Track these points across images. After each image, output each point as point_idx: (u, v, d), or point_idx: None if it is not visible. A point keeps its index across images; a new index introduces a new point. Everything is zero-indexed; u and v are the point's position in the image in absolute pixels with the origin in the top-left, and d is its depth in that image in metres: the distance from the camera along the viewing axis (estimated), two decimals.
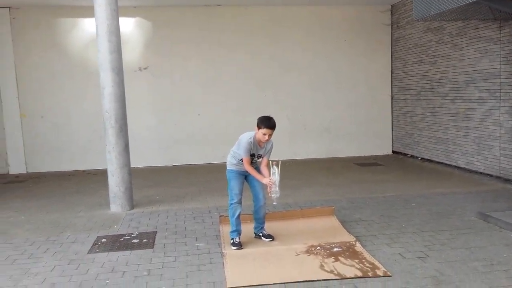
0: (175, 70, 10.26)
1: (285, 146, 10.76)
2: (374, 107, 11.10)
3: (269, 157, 4.82)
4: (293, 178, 8.47)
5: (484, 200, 6.34)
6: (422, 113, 9.86)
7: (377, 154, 11.12)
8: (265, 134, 4.55)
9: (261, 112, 10.41)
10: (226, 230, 5.20)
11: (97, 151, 9.81)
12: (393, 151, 11.23)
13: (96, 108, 9.70)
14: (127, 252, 4.71)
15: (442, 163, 9.21)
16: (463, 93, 8.40)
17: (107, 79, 6.12)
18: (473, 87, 8.09)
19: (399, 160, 10.28)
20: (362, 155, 11.04)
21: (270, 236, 4.95)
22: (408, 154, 10.59)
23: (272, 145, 4.81)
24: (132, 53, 10.03)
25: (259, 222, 4.99)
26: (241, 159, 4.65)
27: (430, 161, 9.64)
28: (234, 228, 4.78)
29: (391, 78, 11.10)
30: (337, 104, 10.92)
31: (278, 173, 4.65)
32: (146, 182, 8.39)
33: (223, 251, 4.63)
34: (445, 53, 8.87)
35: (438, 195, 6.74)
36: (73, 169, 9.99)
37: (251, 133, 4.68)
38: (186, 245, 4.91)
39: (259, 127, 4.58)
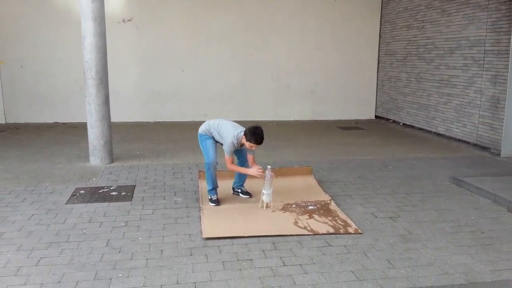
0: (160, 24, 10.02)
1: (269, 107, 10.77)
2: (360, 71, 11.09)
3: (253, 154, 4.75)
4: (275, 138, 8.51)
5: (459, 166, 6.49)
6: (406, 78, 9.89)
7: (359, 118, 11.20)
8: (252, 147, 4.51)
9: (246, 72, 10.49)
10: (204, 185, 5.26)
11: (77, 103, 9.68)
12: (375, 116, 11.32)
13: (78, 58, 9.50)
14: (105, 204, 4.75)
15: (422, 129, 9.34)
16: (448, 59, 8.42)
17: (88, 29, 5.97)
18: (458, 54, 8.11)
19: (381, 125, 10.38)
20: (345, 119, 11.11)
21: (248, 193, 5.03)
22: (390, 119, 10.70)
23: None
24: (116, 4, 9.75)
25: (241, 178, 5.01)
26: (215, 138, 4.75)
27: (411, 127, 9.76)
28: (211, 187, 4.80)
29: (379, 42, 11.04)
30: (323, 67, 10.87)
31: (270, 180, 4.58)
32: (127, 136, 8.36)
33: (200, 205, 4.71)
34: (433, 18, 8.81)
35: (415, 160, 6.88)
36: (53, 121, 9.87)
37: (235, 132, 4.56)
38: (164, 199, 4.97)
39: (248, 140, 4.46)
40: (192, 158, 6.85)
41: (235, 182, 5.11)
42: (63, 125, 9.61)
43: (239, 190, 5.08)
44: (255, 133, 4.45)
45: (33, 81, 9.70)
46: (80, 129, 9.08)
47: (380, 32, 10.99)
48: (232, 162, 4.66)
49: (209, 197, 4.82)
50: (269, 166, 4.68)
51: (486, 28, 7.37)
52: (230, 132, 4.59)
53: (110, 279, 3.21)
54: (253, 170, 4.56)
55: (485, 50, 7.43)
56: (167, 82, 10.29)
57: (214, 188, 4.81)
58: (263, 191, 4.65)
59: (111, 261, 3.49)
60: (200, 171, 5.58)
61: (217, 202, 4.76)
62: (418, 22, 9.34)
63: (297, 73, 10.80)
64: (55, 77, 9.76)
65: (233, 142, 4.54)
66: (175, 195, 5.11)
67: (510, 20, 6.86)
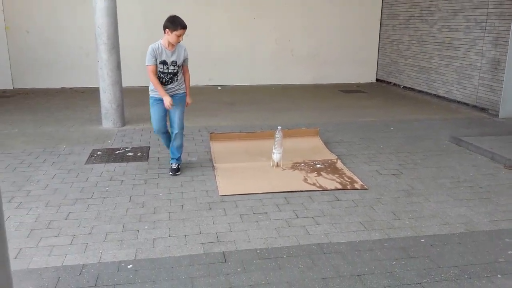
0: None
1: (272, 71, 10.87)
2: (362, 35, 11.13)
3: (187, 64, 4.64)
4: (279, 101, 8.70)
5: (458, 127, 6.73)
6: (408, 41, 9.98)
7: (361, 82, 11.34)
8: (179, 36, 4.30)
9: (249, 35, 10.53)
10: (215, 146, 5.50)
11: (84, 69, 9.79)
12: (376, 79, 11.46)
13: (83, 25, 9.55)
14: (123, 164, 4.99)
15: (423, 91, 9.51)
16: (451, 21, 8.50)
17: None
18: (461, 16, 8.19)
19: (382, 88, 10.54)
20: (347, 82, 11.24)
21: (175, 171, 4.67)
22: (391, 83, 10.84)
23: (186, 51, 4.60)
24: None
25: (175, 152, 4.68)
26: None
27: (412, 89, 9.92)
28: (172, 156, 4.67)
29: (382, 5, 11.04)
30: (325, 31, 10.91)
31: (281, 140, 4.76)
32: (135, 101, 8.51)
33: (214, 164, 4.95)
34: None
35: (416, 121, 7.10)
36: (60, 86, 10.00)
37: (153, 44, 4.42)
38: None
39: (172, 30, 4.25)
40: (200, 121, 7.05)
41: (172, 151, 4.73)
42: (70, 90, 9.74)
43: (171, 165, 4.73)
44: (174, 19, 4.30)
45: (39, 46, 9.75)
46: (87, 93, 9.23)
47: None
48: (154, 72, 4.40)
49: (170, 165, 4.68)
50: (279, 127, 4.90)
51: None
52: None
53: (137, 230, 3.48)
54: (167, 100, 4.33)
55: (487, 12, 7.52)
56: None
57: (173, 158, 4.67)
58: (273, 150, 4.88)
59: (136, 215, 3.75)
60: (211, 133, 5.79)
61: (176, 171, 4.62)
62: None
63: (300, 37, 10.85)
64: (61, 43, 9.80)
65: (152, 48, 4.35)
66: (188, 155, 5.35)
67: None
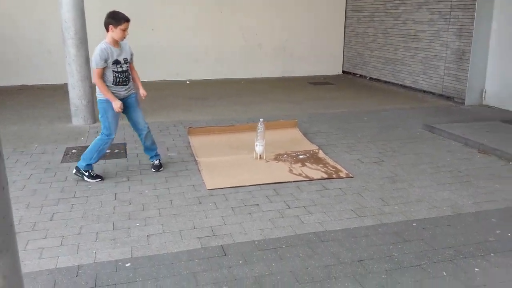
0: None
1: (240, 64, 10.83)
2: (327, 28, 11.27)
3: (133, 60, 4.47)
4: (251, 95, 8.68)
5: (427, 115, 6.94)
6: (374, 34, 10.19)
7: (328, 74, 11.49)
8: (124, 30, 4.10)
9: (216, 30, 10.43)
10: (195, 140, 5.42)
11: (43, 66, 9.40)
12: (343, 71, 11.65)
13: (45, 18, 9.15)
14: (101, 161, 4.81)
15: (389, 82, 9.75)
16: (415, 14, 8.74)
17: None
18: (425, 9, 8.44)
19: (349, 80, 10.73)
20: (314, 74, 11.36)
21: (157, 167, 4.56)
22: (357, 74, 11.05)
23: (130, 47, 4.42)
24: None
25: (151, 150, 4.57)
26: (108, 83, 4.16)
27: (378, 80, 10.15)
28: (90, 162, 4.23)
29: None
30: (292, 25, 10.96)
31: (263, 132, 4.75)
32: None
33: (196, 159, 4.88)
34: None
35: (386, 111, 7.27)
36: (20, 84, 9.55)
37: (100, 44, 4.11)
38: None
39: (116, 25, 4.05)
40: (174, 115, 6.93)
41: (150, 156, 4.59)
42: (32, 88, 9.32)
43: (152, 163, 4.58)
44: (115, 13, 4.11)
45: None
46: (49, 90, 8.87)
47: None
48: (102, 77, 4.10)
49: (86, 172, 4.22)
50: (261, 119, 4.89)
51: None
52: (97, 48, 4.10)
53: (129, 228, 3.38)
54: (116, 104, 4.12)
55: (451, 4, 7.78)
56: (136, 42, 10.06)
57: (91, 164, 4.28)
58: (256, 142, 4.87)
59: (124, 212, 3.64)
60: (189, 127, 5.70)
61: (100, 177, 4.30)
62: None
63: (267, 32, 10.85)
64: (19, 38, 9.35)
65: (101, 49, 4.03)
66: (168, 150, 5.24)
67: None
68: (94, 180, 4.26)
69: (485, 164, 4.74)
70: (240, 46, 10.76)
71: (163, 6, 10.04)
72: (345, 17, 11.29)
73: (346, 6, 11.24)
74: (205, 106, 7.66)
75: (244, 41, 10.73)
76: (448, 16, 7.87)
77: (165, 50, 10.29)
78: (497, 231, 3.29)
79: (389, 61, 9.69)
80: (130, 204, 3.80)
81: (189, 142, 5.50)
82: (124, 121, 6.42)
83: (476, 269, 2.81)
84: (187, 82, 10.24)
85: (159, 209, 3.71)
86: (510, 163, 4.74)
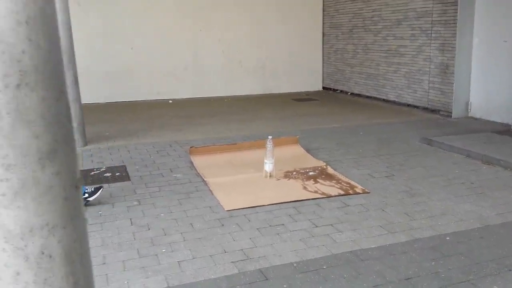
0: (104, 0, 9.51)
1: (221, 82, 10.74)
2: (306, 45, 11.39)
3: None
4: (238, 112, 8.59)
5: (419, 128, 7.05)
6: (353, 50, 10.36)
7: (309, 90, 11.57)
8: None
9: (195, 47, 10.32)
10: (198, 160, 5.25)
11: None
12: (323, 87, 11.76)
13: None
14: (105, 185, 4.58)
15: (372, 97, 9.90)
16: (395, 30, 8.96)
17: None
18: (406, 25, 8.66)
19: (330, 95, 10.83)
20: (295, 91, 11.41)
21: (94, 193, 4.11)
22: (337, 90, 11.17)
23: None
24: None
25: None
26: None
27: (360, 95, 10.30)
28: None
29: (323, 16, 11.38)
30: (271, 42, 11.01)
31: (272, 149, 4.70)
32: (93, 119, 7.91)
33: (204, 179, 4.71)
34: None
35: (378, 125, 7.34)
36: None
37: None
38: (163, 176, 4.90)
39: None
40: (167, 136, 6.73)
41: None
42: None
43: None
44: None
45: None
46: None
47: (323, 6, 11.32)
48: None
49: (85, 194, 3.95)
50: (270, 136, 4.80)
51: (433, 0, 7.94)
52: None
53: (156, 255, 3.18)
54: None
55: (432, 20, 8.02)
56: (116, 61, 9.84)
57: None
58: (265, 160, 4.76)
59: (146, 238, 3.44)
60: (191, 147, 5.53)
61: (101, 187, 4.16)
62: None
63: (247, 48, 10.85)
64: None
65: None
66: (171, 172, 5.05)
67: None
68: (98, 193, 4.06)
69: (493, 175, 4.81)
70: (221, 63, 10.69)
71: (142, 25, 9.86)
72: (323, 33, 11.45)
73: (323, 23, 11.41)
74: (196, 125, 7.49)
75: (225, 59, 10.67)
76: (429, 32, 8.10)
77: (144, 70, 10.08)
78: None
79: (371, 76, 9.86)
80: (149, 229, 3.59)
81: (191, 162, 5.32)
82: (119, 142, 6.22)
83: None
84: (170, 101, 10.05)
85: (181, 233, 3.52)
86: None
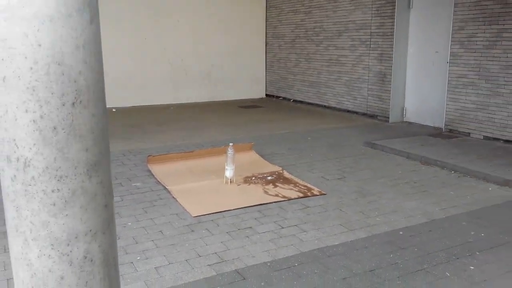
0: None
1: (167, 90, 10.74)
2: (250, 53, 11.68)
3: None
4: (187, 120, 8.66)
5: (361, 132, 7.53)
6: (296, 59, 10.79)
7: (253, 97, 11.86)
8: None
9: (140, 56, 10.26)
10: (156, 169, 5.30)
11: None
12: (266, 94, 12.10)
13: None
14: None
15: (313, 104, 10.37)
16: (336, 41, 9.48)
17: None
18: (346, 36, 9.20)
19: (274, 102, 11.18)
20: (240, 98, 11.65)
21: None
22: (280, 97, 11.56)
23: None
24: None
25: None
26: None
27: (301, 102, 10.73)
28: None
29: (266, 26, 11.74)
30: (216, 50, 11.19)
31: (233, 156, 4.86)
32: None
33: (167, 187, 4.78)
34: (320, 4, 9.78)
35: (324, 130, 7.74)
36: None
37: None
38: (122, 185, 4.90)
39: None
40: (120, 145, 6.68)
41: None
42: None
43: None
44: None
45: None
46: None
47: (266, 17, 11.69)
48: None
49: None
50: (231, 144, 4.96)
51: (372, 13, 8.52)
52: None
53: (131, 262, 3.24)
54: None
55: (371, 32, 8.60)
56: None
57: None
58: (226, 167, 4.92)
59: (118, 247, 3.46)
60: (149, 156, 5.55)
61: None
62: (305, 7, 10.24)
63: (193, 57, 10.94)
64: None
65: None
66: (130, 181, 5.06)
67: (393, 5, 8.07)
68: None
69: (432, 174, 5.30)
70: (167, 72, 10.70)
71: None
72: (266, 43, 11.81)
73: (266, 33, 11.77)
74: (145, 133, 7.48)
75: (170, 67, 10.69)
76: (368, 42, 8.67)
77: None
78: (472, 232, 3.73)
79: (313, 84, 10.32)
80: (119, 238, 3.62)
81: (149, 171, 5.35)
82: None
83: (471, 267, 3.17)
84: (113, 110, 9.89)
85: (153, 240, 3.59)
86: (452, 172, 5.37)
